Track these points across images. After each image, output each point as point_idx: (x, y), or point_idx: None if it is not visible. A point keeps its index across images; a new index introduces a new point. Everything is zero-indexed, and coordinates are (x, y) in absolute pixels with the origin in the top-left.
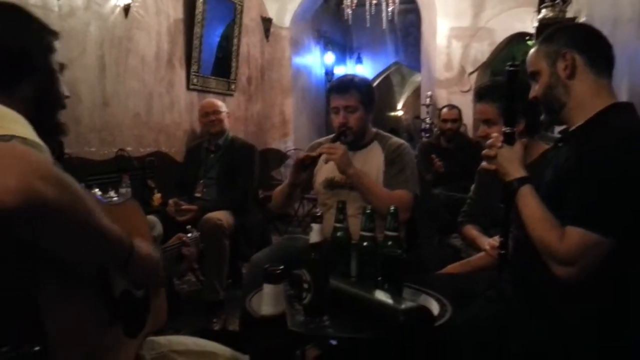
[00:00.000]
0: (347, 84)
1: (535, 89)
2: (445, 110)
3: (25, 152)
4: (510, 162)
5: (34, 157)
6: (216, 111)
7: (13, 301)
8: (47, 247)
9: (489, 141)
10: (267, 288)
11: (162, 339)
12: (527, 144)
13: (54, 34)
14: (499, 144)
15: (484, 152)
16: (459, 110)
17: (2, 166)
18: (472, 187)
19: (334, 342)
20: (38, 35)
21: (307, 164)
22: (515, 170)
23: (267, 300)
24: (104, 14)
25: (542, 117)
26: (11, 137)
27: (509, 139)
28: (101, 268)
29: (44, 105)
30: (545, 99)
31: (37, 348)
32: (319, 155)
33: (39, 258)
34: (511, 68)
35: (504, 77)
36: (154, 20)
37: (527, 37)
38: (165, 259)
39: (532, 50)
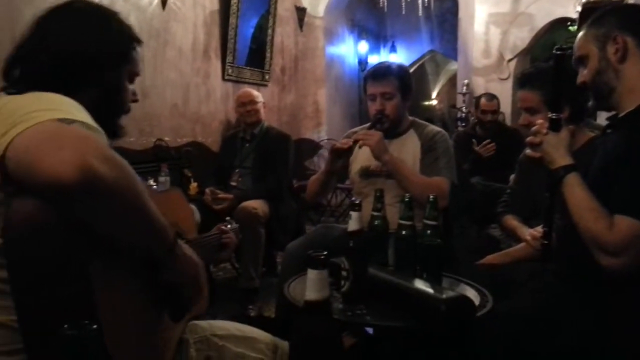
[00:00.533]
0: (385, 71)
1: (584, 74)
2: (484, 100)
3: (85, 133)
4: (556, 149)
5: (92, 139)
6: (252, 101)
7: (68, 278)
8: (96, 225)
9: (534, 128)
10: (312, 274)
11: (204, 323)
12: (573, 130)
13: (135, 42)
14: (545, 131)
15: (528, 139)
16: (499, 101)
17: (63, 144)
18: (512, 176)
19: (370, 331)
20: (113, 44)
21: (343, 152)
22: (561, 158)
23: (311, 286)
24: (142, 6)
25: (590, 103)
26: (73, 121)
27: (554, 126)
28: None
29: (105, 110)
30: (594, 84)
31: (94, 326)
32: (355, 142)
33: (92, 235)
34: (558, 52)
35: (547, 63)
36: (191, 11)
37: (569, 23)
38: (206, 247)
39: (580, 34)
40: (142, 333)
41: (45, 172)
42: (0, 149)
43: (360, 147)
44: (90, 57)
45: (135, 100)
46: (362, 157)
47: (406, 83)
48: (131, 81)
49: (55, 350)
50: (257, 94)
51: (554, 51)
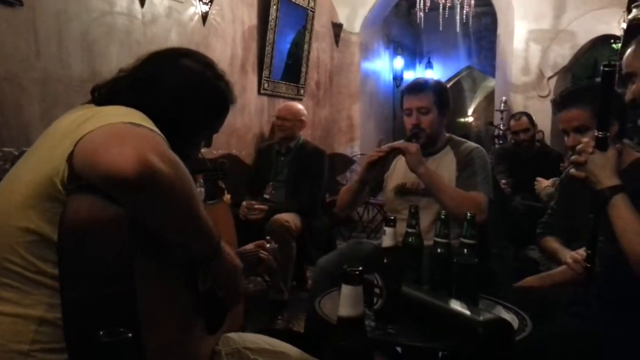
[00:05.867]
0: (421, 85)
1: (632, 90)
2: (513, 121)
3: (147, 133)
4: (603, 169)
5: (153, 138)
6: (292, 118)
7: (113, 279)
8: (147, 220)
9: (579, 146)
10: (346, 289)
11: (235, 336)
12: (621, 150)
13: (227, 108)
14: (590, 149)
15: (572, 157)
16: (528, 116)
17: (126, 141)
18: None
19: (399, 350)
20: (201, 113)
21: (376, 162)
22: (607, 178)
23: (345, 302)
24: (184, 21)
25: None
26: (140, 125)
27: (601, 144)
28: (191, 259)
29: None
30: None
31: (130, 334)
32: (391, 150)
33: (141, 238)
34: (607, 68)
35: (588, 82)
36: (230, 27)
37: (612, 40)
38: (244, 259)
39: (629, 51)
40: (179, 340)
41: (106, 164)
42: (72, 144)
43: (394, 155)
44: (176, 118)
45: (208, 146)
46: (397, 175)
47: (443, 98)
48: (207, 139)
49: (94, 351)
50: (298, 109)
51: (602, 68)
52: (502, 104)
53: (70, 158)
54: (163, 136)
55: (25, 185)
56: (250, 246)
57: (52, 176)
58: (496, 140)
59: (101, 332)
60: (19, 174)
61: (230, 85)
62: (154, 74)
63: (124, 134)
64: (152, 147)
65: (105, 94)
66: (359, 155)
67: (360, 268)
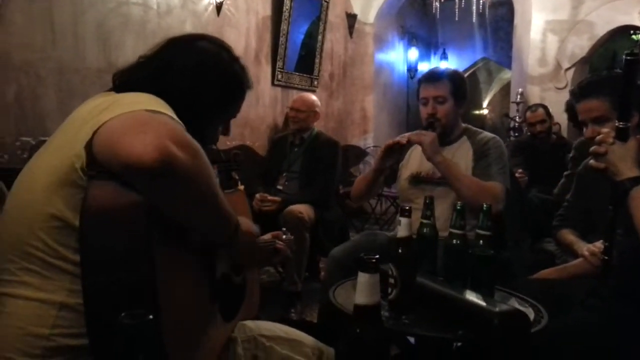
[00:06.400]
0: (439, 74)
1: None
2: (529, 113)
3: (167, 120)
4: (623, 160)
5: (172, 125)
6: (306, 109)
7: (133, 264)
8: (166, 207)
9: (599, 137)
10: (363, 277)
11: (251, 323)
12: None
13: (243, 90)
14: (610, 140)
15: (592, 148)
16: (544, 108)
17: (147, 129)
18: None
19: (412, 341)
20: (218, 96)
21: (395, 149)
22: (628, 169)
23: (362, 290)
24: (198, 12)
25: None
26: (160, 113)
27: (622, 135)
28: (208, 246)
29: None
30: None
31: (151, 316)
32: (408, 141)
33: (160, 224)
34: (629, 57)
35: (607, 72)
36: (244, 17)
37: (632, 31)
38: (262, 249)
39: None
40: (197, 326)
41: (125, 152)
42: (91, 132)
43: (412, 143)
44: (193, 101)
45: (226, 134)
46: (413, 164)
47: (460, 88)
48: (224, 124)
49: (114, 335)
50: (312, 100)
51: (624, 56)
52: (518, 96)
53: (88, 146)
54: (182, 124)
55: (47, 172)
56: (267, 236)
57: (74, 162)
58: (512, 133)
59: (122, 314)
60: (40, 162)
61: (245, 69)
62: (171, 59)
63: (144, 121)
64: (171, 135)
65: (126, 81)
66: (372, 148)
67: (377, 256)
